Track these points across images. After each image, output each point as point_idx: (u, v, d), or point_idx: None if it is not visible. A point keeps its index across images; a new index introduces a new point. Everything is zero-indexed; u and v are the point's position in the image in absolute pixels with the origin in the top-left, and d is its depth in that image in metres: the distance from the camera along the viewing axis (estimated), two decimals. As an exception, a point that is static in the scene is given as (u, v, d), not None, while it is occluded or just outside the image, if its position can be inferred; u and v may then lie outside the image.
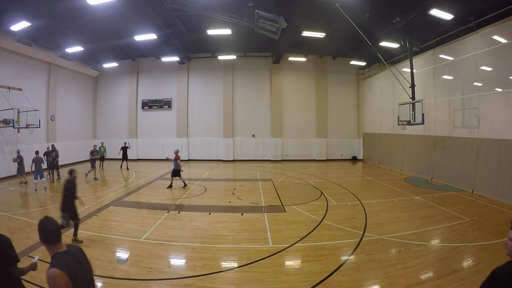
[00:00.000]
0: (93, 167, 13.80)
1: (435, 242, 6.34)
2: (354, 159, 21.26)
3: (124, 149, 16.96)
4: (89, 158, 14.16)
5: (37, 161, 11.49)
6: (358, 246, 6.00)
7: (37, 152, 12.09)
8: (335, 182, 12.90)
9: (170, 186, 11.78)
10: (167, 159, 14.24)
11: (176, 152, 11.99)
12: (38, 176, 11.30)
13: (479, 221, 7.43)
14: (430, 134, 13.43)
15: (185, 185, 11.94)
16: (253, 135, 21.05)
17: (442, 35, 12.28)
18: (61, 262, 2.10)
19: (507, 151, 9.28)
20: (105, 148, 16.83)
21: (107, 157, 16.75)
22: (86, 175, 13.77)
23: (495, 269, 2.07)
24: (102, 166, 16.84)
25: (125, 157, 16.94)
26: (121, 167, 16.96)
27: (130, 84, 21.63)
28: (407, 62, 13.86)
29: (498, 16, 9.57)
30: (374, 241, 6.27)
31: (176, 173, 11.68)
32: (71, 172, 6.32)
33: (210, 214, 8.32)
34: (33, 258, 2.81)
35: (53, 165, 13.37)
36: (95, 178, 13.65)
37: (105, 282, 4.65)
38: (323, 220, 7.67)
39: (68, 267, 2.08)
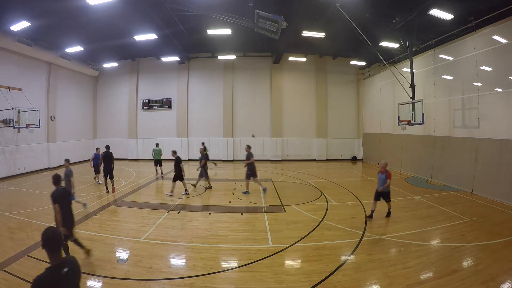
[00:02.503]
0: (203, 175, 11.38)
1: (435, 242, 6.34)
2: (354, 159, 21.25)
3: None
4: (200, 164, 11.36)
5: None
6: (358, 246, 6.00)
7: None
8: (335, 182, 12.90)
9: (247, 193, 10.69)
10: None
11: (248, 149, 10.69)
12: None
13: (479, 221, 7.43)
14: (430, 134, 13.43)
15: (264, 189, 10.70)
16: (253, 135, 21.05)
17: (442, 35, 12.28)
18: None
19: (507, 151, 9.27)
20: (160, 150, 14.51)
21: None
22: (194, 186, 11.60)
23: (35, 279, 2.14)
24: (161, 171, 14.78)
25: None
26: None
27: (130, 84, 21.63)
28: (407, 62, 13.86)
29: (498, 16, 9.58)
30: (374, 241, 6.28)
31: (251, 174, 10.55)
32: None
33: (210, 214, 8.32)
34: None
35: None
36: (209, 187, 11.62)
37: (105, 282, 4.65)
38: (323, 220, 7.67)
39: None
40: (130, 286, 4.53)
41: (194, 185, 11.59)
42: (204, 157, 11.42)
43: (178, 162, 10.39)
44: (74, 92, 19.93)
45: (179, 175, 10.36)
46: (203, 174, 11.37)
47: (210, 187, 11.65)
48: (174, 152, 10.95)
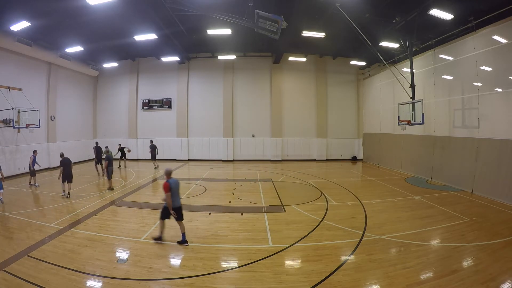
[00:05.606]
0: (108, 176, 11.45)
1: (435, 242, 6.35)
2: (354, 159, 21.25)
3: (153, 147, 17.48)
4: None
5: None
6: (358, 246, 6.00)
7: None
8: (335, 182, 12.90)
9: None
10: None
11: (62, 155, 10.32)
12: None
13: (479, 221, 7.43)
14: (430, 134, 13.42)
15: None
16: (253, 135, 21.05)
17: (442, 35, 12.28)
18: None
19: (507, 151, 9.27)
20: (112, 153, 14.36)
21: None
22: None
23: None
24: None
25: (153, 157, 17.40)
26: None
27: (130, 84, 21.62)
28: (407, 62, 13.86)
29: (498, 16, 9.58)
30: (374, 241, 6.27)
31: None
32: None
33: (210, 214, 8.32)
34: None
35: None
36: None
37: (105, 282, 4.65)
38: (323, 220, 7.67)
39: None
40: (130, 286, 4.52)
41: (110, 188, 11.36)
42: (108, 158, 11.47)
43: (67, 163, 10.23)
44: (74, 92, 19.91)
45: (67, 176, 10.16)
46: (107, 175, 11.37)
47: (111, 188, 11.33)
48: (62, 155, 10.76)
